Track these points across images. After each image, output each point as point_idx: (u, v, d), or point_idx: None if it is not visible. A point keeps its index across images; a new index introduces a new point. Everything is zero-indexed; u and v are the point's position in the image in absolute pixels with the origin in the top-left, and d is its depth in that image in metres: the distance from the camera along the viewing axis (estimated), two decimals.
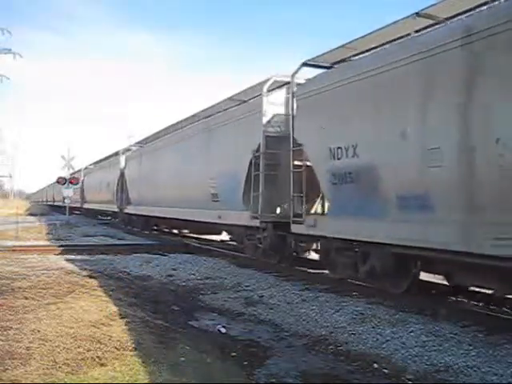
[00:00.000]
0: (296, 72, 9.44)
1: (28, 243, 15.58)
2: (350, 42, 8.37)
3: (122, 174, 23.24)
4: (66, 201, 26.76)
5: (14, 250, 13.03)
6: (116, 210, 24.57)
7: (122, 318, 6.06)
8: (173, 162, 16.35)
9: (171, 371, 4.38)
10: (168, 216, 16.81)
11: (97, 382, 4.09)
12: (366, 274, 7.84)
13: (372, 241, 7.29)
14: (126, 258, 12.27)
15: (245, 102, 12.24)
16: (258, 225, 10.30)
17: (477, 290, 7.04)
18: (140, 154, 21.30)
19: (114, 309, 6.51)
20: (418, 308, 6.74)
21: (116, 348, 4.87)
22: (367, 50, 8.50)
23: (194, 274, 10.25)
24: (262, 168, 10.18)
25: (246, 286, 8.93)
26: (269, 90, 10.35)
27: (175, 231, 19.75)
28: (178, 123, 17.02)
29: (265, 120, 10.15)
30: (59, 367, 4.31)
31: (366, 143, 7.37)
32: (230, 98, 12.76)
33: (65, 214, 28.42)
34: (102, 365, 4.42)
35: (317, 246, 9.49)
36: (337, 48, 8.66)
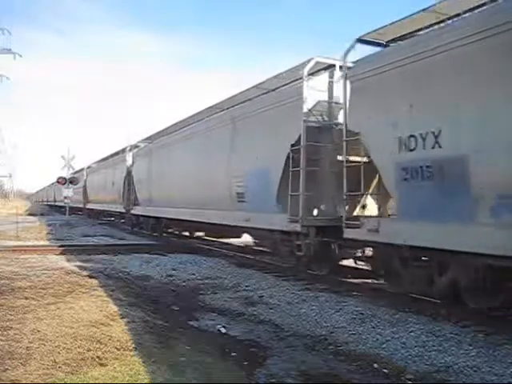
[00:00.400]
0: (349, 50, 8.17)
1: (28, 243, 15.58)
2: (419, 11, 6.96)
3: (129, 173, 21.82)
4: (66, 201, 26.75)
5: (14, 250, 13.03)
6: (122, 210, 23.37)
7: (122, 317, 6.07)
8: (188, 159, 14.67)
9: (171, 371, 4.39)
10: (182, 218, 15.25)
11: (97, 381, 4.09)
12: (444, 289, 6.67)
13: (458, 250, 6.00)
14: (126, 258, 12.27)
15: (278, 88, 10.90)
16: (298, 229, 8.91)
17: None
18: (150, 150, 19.46)
19: (114, 309, 6.51)
20: (417, 308, 6.74)
21: (116, 348, 4.88)
22: (435, 24, 7.15)
23: (194, 274, 10.25)
24: (303, 163, 8.81)
25: (246, 286, 8.93)
26: (309, 74, 9.09)
27: (187, 233, 18.49)
28: (194, 115, 15.14)
29: (305, 108, 8.85)
30: (59, 367, 4.31)
31: (453, 129, 6.00)
32: (260, 85, 11.23)
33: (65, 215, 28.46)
34: (101, 365, 4.43)
35: (363, 253, 8.19)
36: (400, 20, 7.31)
